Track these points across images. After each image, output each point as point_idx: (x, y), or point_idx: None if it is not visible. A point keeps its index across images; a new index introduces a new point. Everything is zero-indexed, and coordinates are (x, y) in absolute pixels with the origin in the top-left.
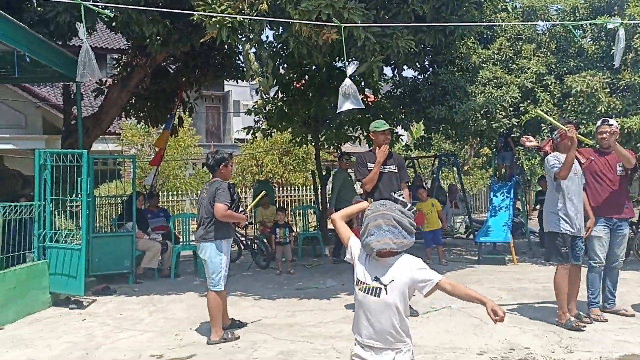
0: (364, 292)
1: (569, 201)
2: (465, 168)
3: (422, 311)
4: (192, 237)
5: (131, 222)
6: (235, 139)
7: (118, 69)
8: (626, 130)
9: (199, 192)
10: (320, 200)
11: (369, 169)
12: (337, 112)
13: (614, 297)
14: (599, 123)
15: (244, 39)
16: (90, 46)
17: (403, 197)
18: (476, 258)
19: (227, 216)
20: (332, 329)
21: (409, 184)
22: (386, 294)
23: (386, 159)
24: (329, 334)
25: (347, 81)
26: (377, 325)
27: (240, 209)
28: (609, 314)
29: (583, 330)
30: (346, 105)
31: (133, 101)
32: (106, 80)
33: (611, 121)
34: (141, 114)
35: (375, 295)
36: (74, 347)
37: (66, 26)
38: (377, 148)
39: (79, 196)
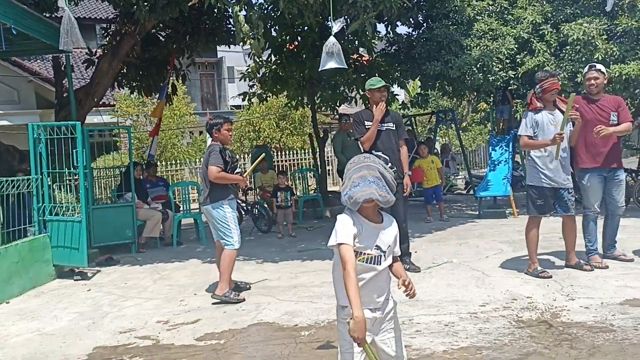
0: (366, 262)
1: (546, 154)
2: (464, 124)
3: (424, 267)
4: (194, 206)
5: (130, 193)
6: (231, 105)
7: (107, 39)
8: (624, 77)
9: (196, 161)
10: (319, 162)
11: (366, 127)
12: (320, 70)
13: (614, 243)
14: (586, 69)
15: (232, 1)
16: (78, 17)
17: (385, 155)
18: (477, 213)
19: (220, 177)
20: None
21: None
22: (385, 259)
23: (383, 116)
24: (332, 294)
25: (332, 39)
26: (378, 289)
27: (237, 170)
28: (610, 261)
29: (549, 278)
30: (330, 64)
31: (125, 71)
32: (96, 51)
33: (599, 66)
34: (134, 84)
35: (377, 264)
36: (80, 317)
37: None
38: (374, 106)
39: (76, 169)
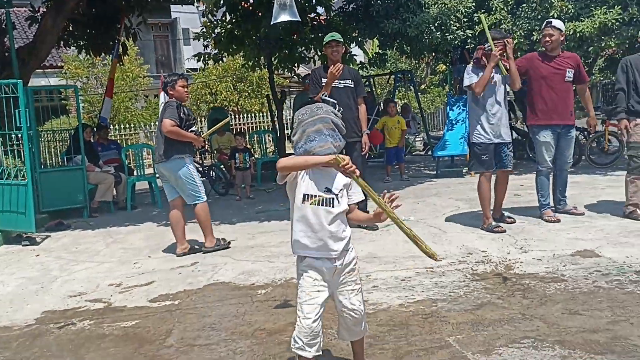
0: (317, 204)
1: (487, 111)
2: (422, 86)
3: (381, 225)
4: (148, 170)
5: (80, 155)
6: (187, 68)
7: None
8: (578, 35)
9: (151, 124)
10: (277, 125)
11: (322, 85)
12: (272, 23)
13: (565, 198)
14: (543, 25)
15: None
16: None
17: (327, 96)
18: (435, 172)
19: (174, 132)
20: None
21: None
22: (339, 203)
23: (341, 73)
24: (289, 252)
25: None
26: (332, 234)
27: (193, 128)
28: (562, 215)
29: (503, 232)
30: (282, 17)
31: (71, 29)
32: (39, 8)
33: (554, 22)
34: (81, 43)
35: (328, 206)
36: (28, 282)
37: None
38: (329, 60)
39: (18, 130)
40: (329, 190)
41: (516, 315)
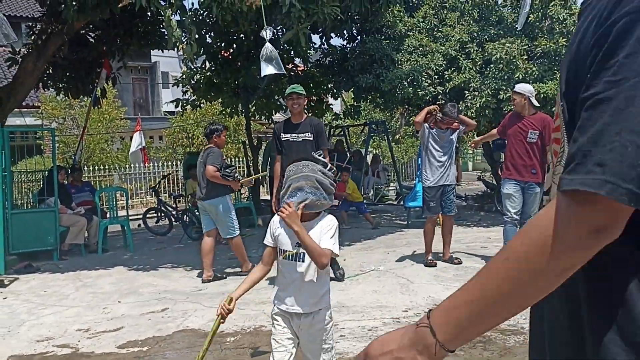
0: (288, 259)
1: (432, 158)
2: (397, 137)
3: (352, 274)
4: (122, 212)
5: (53, 197)
6: (164, 111)
7: (33, 38)
8: (542, 95)
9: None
10: (253, 171)
11: (281, 140)
12: (261, 76)
13: None
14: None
15: (165, 4)
16: (3, 14)
17: (323, 157)
18: (405, 222)
19: (216, 177)
20: (263, 295)
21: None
22: (308, 258)
23: (298, 126)
24: (260, 300)
25: (268, 45)
26: (301, 291)
27: (237, 175)
28: None
29: (434, 266)
30: (269, 70)
31: (51, 71)
32: (20, 50)
33: (517, 87)
34: (60, 85)
35: (299, 261)
36: None
37: None
38: (290, 112)
39: None
40: (299, 246)
41: None
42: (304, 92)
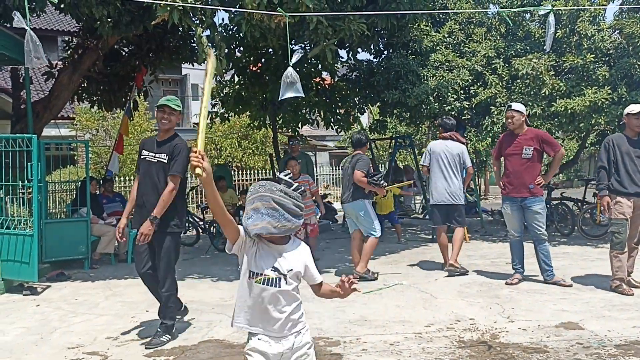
0: (263, 283)
1: (434, 179)
2: (423, 150)
3: (375, 288)
4: None
5: (85, 208)
6: (193, 122)
7: (69, 52)
8: (569, 111)
9: None
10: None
11: (141, 157)
12: (279, 99)
13: (550, 267)
14: (505, 109)
15: (196, 22)
16: (40, 28)
17: (290, 177)
18: (431, 237)
19: (362, 182)
20: None
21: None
22: (286, 283)
23: (158, 145)
24: None
25: (290, 70)
26: (277, 315)
27: (383, 182)
28: (550, 286)
29: (462, 271)
30: (288, 94)
31: (85, 85)
32: (57, 63)
33: (514, 105)
34: (94, 98)
35: (275, 286)
36: (27, 332)
37: (14, 8)
38: (160, 131)
39: (30, 182)
40: (276, 270)
41: None
42: (180, 108)
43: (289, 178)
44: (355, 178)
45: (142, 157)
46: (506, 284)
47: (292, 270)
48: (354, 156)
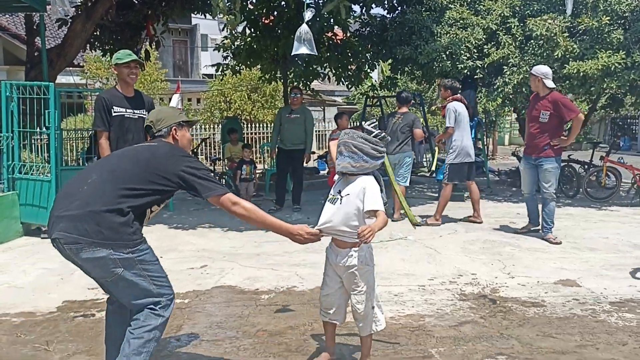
0: (329, 202)
1: (464, 139)
2: (433, 108)
3: (379, 240)
4: None
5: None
6: (203, 74)
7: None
8: (582, 74)
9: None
10: None
11: (113, 114)
12: (292, 54)
13: (548, 226)
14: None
15: None
16: None
17: (372, 126)
18: (436, 195)
19: (421, 137)
20: (296, 258)
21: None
22: (340, 203)
23: (135, 102)
24: (293, 262)
25: (304, 27)
26: (337, 220)
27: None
28: (553, 245)
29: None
30: (301, 50)
31: (98, 33)
32: (70, 10)
33: (533, 69)
34: (106, 47)
35: (333, 204)
36: (49, 273)
37: None
38: (123, 82)
39: (47, 129)
40: (339, 192)
41: (495, 333)
42: (143, 62)
43: (372, 127)
44: (417, 135)
45: (115, 114)
46: (516, 233)
47: (348, 195)
48: (404, 114)
